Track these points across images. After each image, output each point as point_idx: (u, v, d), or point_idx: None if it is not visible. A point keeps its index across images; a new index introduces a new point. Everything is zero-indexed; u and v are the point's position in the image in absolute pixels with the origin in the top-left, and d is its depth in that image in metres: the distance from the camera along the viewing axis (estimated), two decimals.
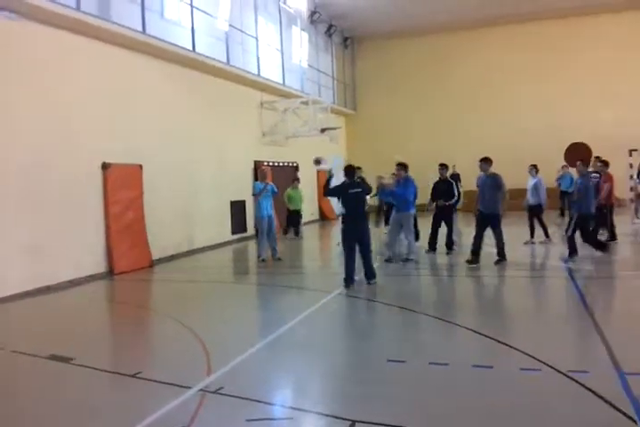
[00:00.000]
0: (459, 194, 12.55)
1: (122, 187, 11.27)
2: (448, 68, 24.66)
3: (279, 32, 19.56)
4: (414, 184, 11.43)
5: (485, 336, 5.95)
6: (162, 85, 13.07)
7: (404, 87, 25.10)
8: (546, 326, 6.54)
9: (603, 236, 12.24)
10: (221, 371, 5.15)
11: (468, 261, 10.20)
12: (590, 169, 12.22)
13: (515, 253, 11.16)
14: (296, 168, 19.62)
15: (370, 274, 8.98)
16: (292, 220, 16.59)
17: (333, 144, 20.49)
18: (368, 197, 11.64)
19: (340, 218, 9.36)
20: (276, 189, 12.27)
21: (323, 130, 18.21)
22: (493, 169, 10.58)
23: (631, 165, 15.99)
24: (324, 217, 22.24)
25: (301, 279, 10.59)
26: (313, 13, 21.99)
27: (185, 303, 8.58)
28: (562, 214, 18.18)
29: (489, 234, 10.40)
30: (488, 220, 10.25)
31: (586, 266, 10.09)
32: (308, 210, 20.65)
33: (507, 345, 5.60)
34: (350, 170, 9.12)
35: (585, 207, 10.30)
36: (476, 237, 10.31)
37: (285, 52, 19.85)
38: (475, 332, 6.15)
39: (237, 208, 16.20)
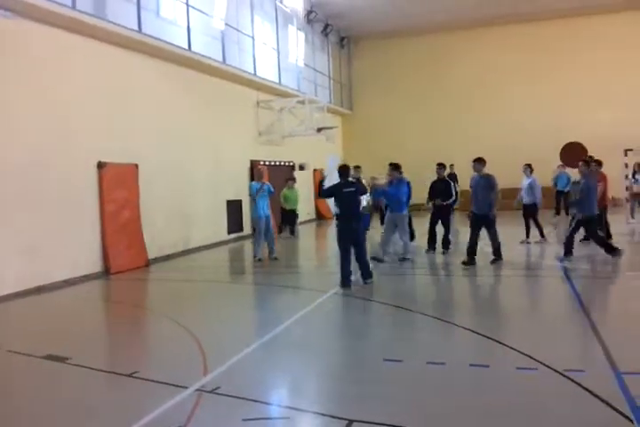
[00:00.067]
0: (456, 193, 12.57)
1: (118, 186, 11.24)
2: (445, 67, 24.69)
3: (275, 31, 19.54)
4: (409, 185, 11.43)
5: (482, 335, 5.96)
6: (158, 84, 13.04)
7: (401, 87, 25.10)
8: (542, 326, 6.55)
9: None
10: (218, 371, 5.14)
11: (464, 263, 10.20)
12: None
13: (510, 252, 11.19)
14: (292, 168, 19.61)
15: (366, 274, 8.97)
16: (287, 219, 16.60)
17: (330, 144, 20.52)
18: (365, 196, 11.66)
19: (334, 218, 9.34)
20: (272, 189, 12.25)
21: (319, 129, 18.22)
22: (492, 169, 10.57)
23: (626, 165, 16.05)
24: (320, 217, 22.25)
25: (297, 279, 10.59)
26: (309, 12, 21.97)
27: (181, 303, 8.57)
28: (557, 213, 18.21)
29: (486, 234, 10.42)
30: (482, 220, 10.24)
31: (582, 265, 10.12)
32: (305, 209, 20.66)
33: (503, 344, 5.60)
34: (344, 170, 9.10)
35: (587, 208, 10.23)
36: (471, 239, 10.31)
37: (282, 52, 19.82)
38: (471, 331, 6.16)
39: (234, 208, 16.17)
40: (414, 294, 8.97)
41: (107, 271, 10.94)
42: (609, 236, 12.50)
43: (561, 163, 16.94)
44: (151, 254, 12.11)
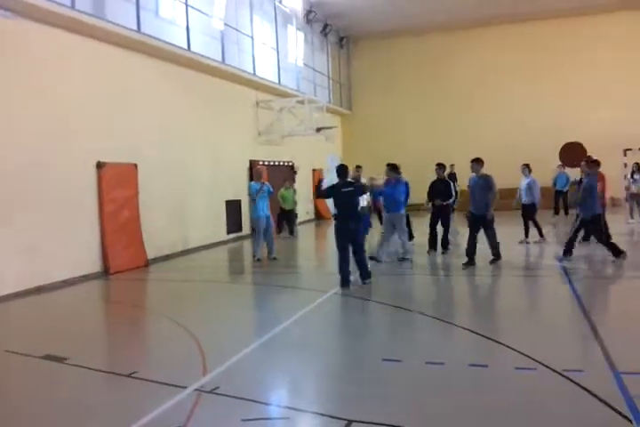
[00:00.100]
0: (456, 194, 12.56)
1: (117, 186, 11.24)
2: (444, 67, 24.68)
3: (275, 31, 19.54)
4: (407, 185, 11.41)
5: (481, 335, 5.96)
6: (157, 84, 13.03)
7: (400, 87, 25.10)
8: (541, 326, 6.55)
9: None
10: (217, 371, 5.14)
11: (464, 264, 10.19)
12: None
13: (510, 252, 11.19)
14: (292, 167, 19.60)
15: (364, 274, 8.95)
16: (285, 219, 16.63)
17: (329, 144, 20.53)
18: (366, 197, 11.62)
19: (333, 218, 9.32)
20: (271, 189, 12.24)
21: (318, 129, 18.22)
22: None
23: (625, 165, 16.06)
24: (319, 216, 22.24)
25: (297, 279, 10.59)
26: (308, 12, 21.97)
27: (180, 303, 8.57)
28: (556, 213, 18.23)
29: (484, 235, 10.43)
30: (479, 221, 10.23)
31: (581, 265, 10.13)
32: (304, 209, 20.67)
33: (502, 344, 5.60)
34: (342, 170, 9.07)
35: (590, 208, 10.14)
36: (469, 240, 10.30)
37: (281, 52, 19.82)
38: (470, 331, 6.16)
39: (233, 207, 16.17)
40: (413, 294, 8.98)
41: (106, 271, 10.93)
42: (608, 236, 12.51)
43: (560, 163, 16.97)
44: (150, 254, 12.11)
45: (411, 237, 13.28)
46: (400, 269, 10.63)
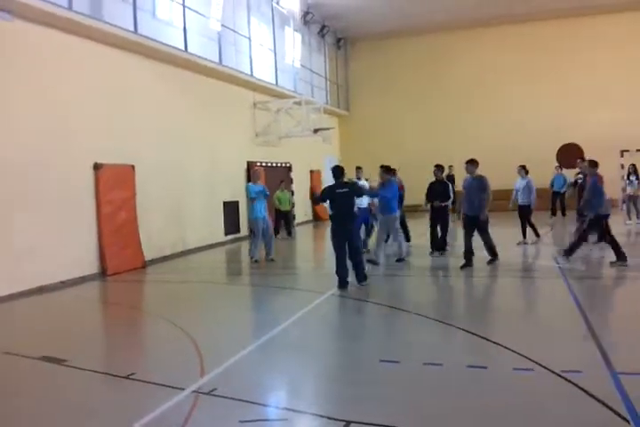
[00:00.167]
0: (454, 195, 12.56)
1: (114, 187, 11.22)
2: (442, 68, 24.70)
3: (272, 32, 19.55)
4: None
5: (479, 336, 5.96)
6: (154, 85, 13.02)
7: (398, 88, 25.12)
8: (539, 326, 6.56)
9: (592, 236, 12.25)
10: (215, 372, 5.14)
11: (461, 266, 10.19)
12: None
13: (507, 253, 11.19)
14: (289, 169, 19.61)
15: (360, 276, 8.93)
16: (283, 220, 16.64)
17: (326, 145, 20.53)
18: (367, 199, 11.63)
19: (329, 219, 9.32)
20: (267, 192, 12.20)
21: (316, 130, 18.23)
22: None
23: (622, 166, 16.09)
24: (317, 218, 22.24)
25: (294, 280, 10.58)
26: (306, 14, 21.99)
27: (178, 304, 8.55)
28: (553, 215, 18.26)
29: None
30: (474, 222, 10.23)
31: (579, 266, 10.13)
32: (302, 210, 20.67)
33: (500, 345, 5.60)
34: (338, 171, 9.05)
35: (595, 207, 10.02)
36: (465, 241, 10.30)
37: (278, 53, 19.83)
38: (468, 332, 6.16)
39: (230, 209, 16.17)
40: (411, 295, 8.96)
41: (103, 273, 10.91)
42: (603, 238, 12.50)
43: (557, 164, 17.03)
44: (148, 256, 12.09)
45: (408, 238, 13.30)
46: (398, 270, 10.63)
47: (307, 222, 21.45)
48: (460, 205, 11.17)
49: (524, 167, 12.96)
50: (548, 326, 6.53)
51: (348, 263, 8.91)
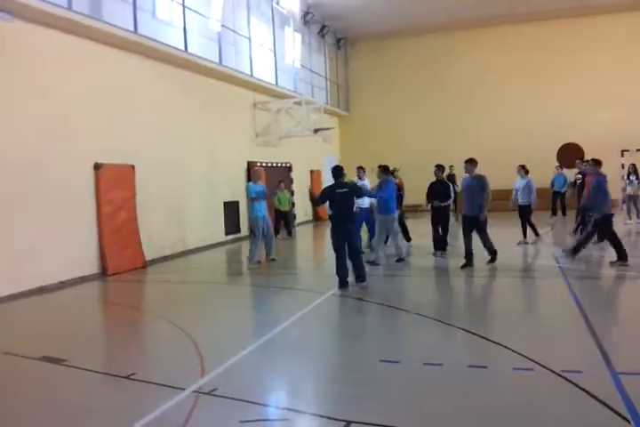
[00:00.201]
0: (455, 195, 12.54)
1: (114, 187, 11.22)
2: (442, 68, 24.69)
3: (272, 32, 19.54)
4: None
5: (479, 336, 5.96)
6: (154, 85, 13.02)
7: (398, 88, 25.12)
8: (539, 326, 6.56)
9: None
10: (215, 372, 5.14)
11: (462, 265, 10.19)
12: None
13: (508, 253, 11.19)
14: (289, 169, 19.61)
15: (360, 277, 8.91)
16: (282, 220, 16.65)
17: (327, 145, 20.54)
18: (368, 200, 11.61)
19: (329, 219, 9.32)
20: (266, 192, 12.15)
21: (316, 130, 18.23)
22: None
23: (623, 166, 16.10)
24: (317, 218, 22.24)
25: (295, 280, 10.57)
26: (306, 14, 21.98)
27: (178, 304, 8.55)
28: (554, 214, 18.26)
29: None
30: (474, 223, 10.22)
31: (579, 266, 10.13)
32: (302, 210, 20.67)
33: (500, 345, 5.60)
34: (337, 171, 9.05)
35: (600, 207, 10.01)
36: (465, 241, 10.30)
37: (278, 53, 19.83)
38: (468, 332, 6.16)
39: (231, 209, 16.17)
40: (411, 295, 8.96)
41: (104, 273, 10.91)
42: (603, 238, 12.51)
43: (558, 164, 17.03)
44: (148, 256, 12.09)
45: (408, 238, 13.30)
46: (398, 270, 10.62)
47: (307, 222, 21.45)
48: (461, 205, 11.17)
49: (523, 167, 12.96)
50: (548, 325, 6.53)
51: (348, 263, 8.91)
